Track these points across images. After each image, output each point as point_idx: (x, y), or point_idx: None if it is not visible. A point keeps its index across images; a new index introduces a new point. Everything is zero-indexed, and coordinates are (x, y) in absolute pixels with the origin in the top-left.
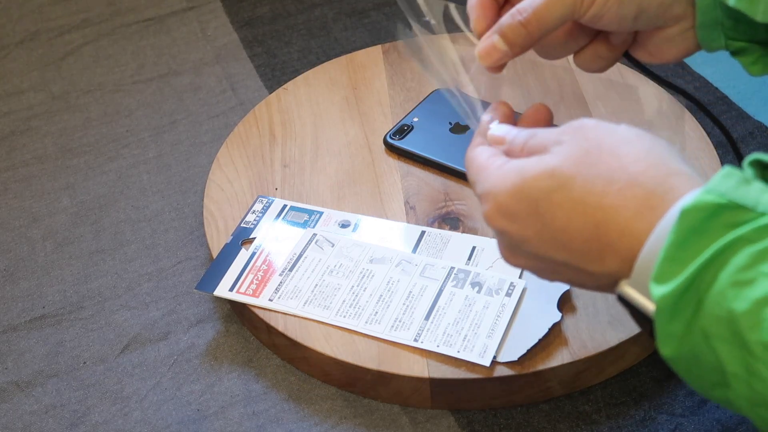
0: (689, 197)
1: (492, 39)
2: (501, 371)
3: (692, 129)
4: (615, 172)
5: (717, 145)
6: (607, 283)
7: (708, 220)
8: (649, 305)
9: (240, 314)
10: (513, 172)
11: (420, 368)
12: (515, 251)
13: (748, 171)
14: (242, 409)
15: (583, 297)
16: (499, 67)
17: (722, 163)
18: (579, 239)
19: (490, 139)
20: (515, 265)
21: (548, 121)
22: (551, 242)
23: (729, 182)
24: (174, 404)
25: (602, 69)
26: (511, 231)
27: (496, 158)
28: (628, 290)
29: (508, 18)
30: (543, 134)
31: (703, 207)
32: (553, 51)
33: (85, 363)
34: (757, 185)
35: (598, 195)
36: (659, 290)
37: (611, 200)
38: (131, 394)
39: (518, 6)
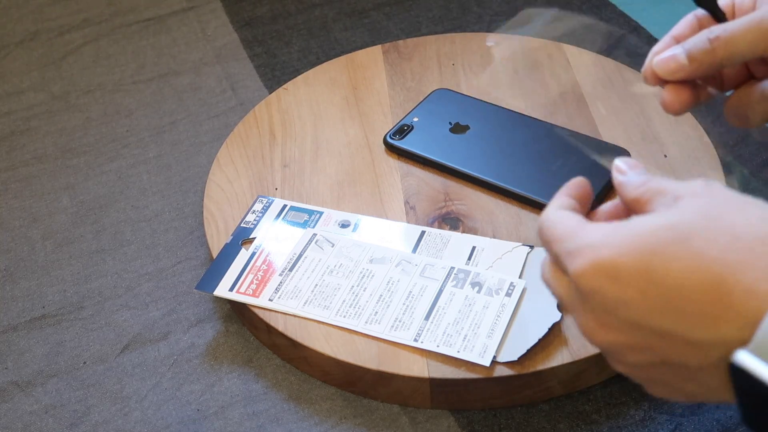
0: None
1: (674, 50)
2: (501, 371)
3: (692, 129)
4: (742, 228)
5: (717, 146)
6: (714, 359)
7: None
8: None
9: (240, 314)
10: (623, 227)
11: (420, 368)
12: (605, 320)
13: None
14: (242, 409)
15: None
16: (675, 89)
17: (722, 162)
18: (694, 298)
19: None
20: (599, 342)
21: (588, 196)
22: (657, 303)
23: None
24: (174, 404)
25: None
26: (607, 291)
27: (592, 223)
28: (746, 358)
29: (696, 35)
30: (663, 184)
31: None
32: (726, 83)
33: (85, 363)
34: None
35: (721, 250)
36: None
37: (738, 256)
38: (131, 394)
39: (712, 27)
